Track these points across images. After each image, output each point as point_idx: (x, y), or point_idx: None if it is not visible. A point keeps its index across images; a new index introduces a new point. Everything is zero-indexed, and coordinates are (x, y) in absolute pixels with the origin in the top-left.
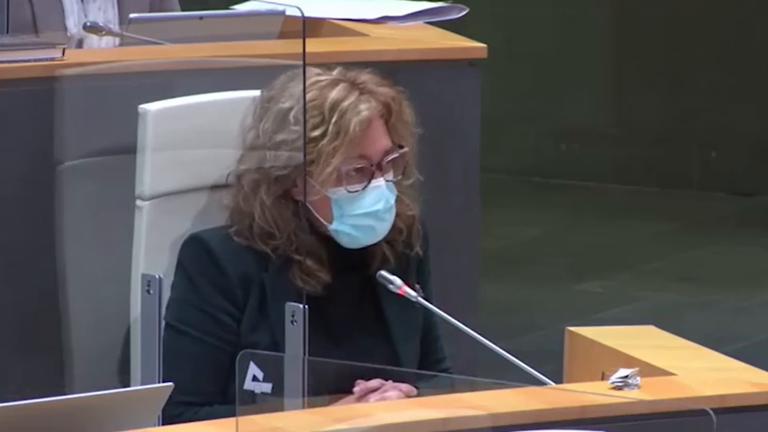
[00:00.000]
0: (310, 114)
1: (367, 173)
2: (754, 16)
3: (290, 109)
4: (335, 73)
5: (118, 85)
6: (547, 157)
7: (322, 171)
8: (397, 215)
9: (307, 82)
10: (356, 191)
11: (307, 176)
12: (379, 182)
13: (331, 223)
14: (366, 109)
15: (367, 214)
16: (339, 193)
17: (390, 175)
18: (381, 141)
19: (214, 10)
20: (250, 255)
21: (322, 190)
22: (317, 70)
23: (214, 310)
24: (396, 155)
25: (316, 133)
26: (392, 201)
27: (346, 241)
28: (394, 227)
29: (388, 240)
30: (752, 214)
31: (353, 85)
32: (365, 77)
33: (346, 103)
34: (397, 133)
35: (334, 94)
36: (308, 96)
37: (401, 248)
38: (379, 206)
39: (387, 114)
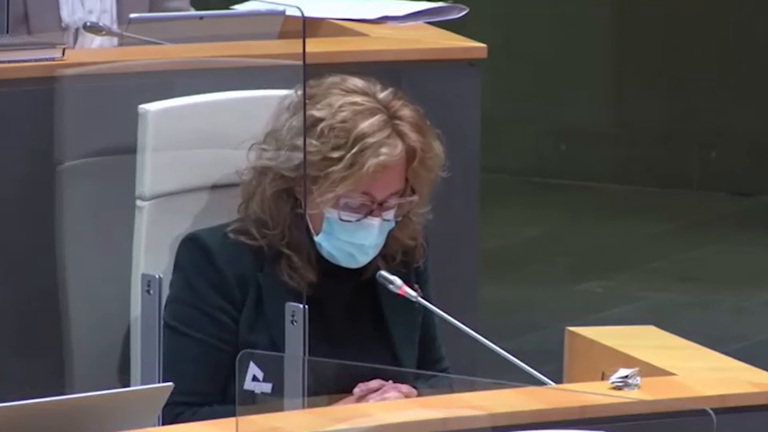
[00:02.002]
0: (335, 133)
1: (365, 208)
2: (754, 16)
3: (320, 120)
4: (382, 96)
5: (118, 85)
6: (547, 157)
7: (324, 193)
8: (397, 239)
9: (348, 100)
10: (348, 221)
11: (308, 190)
12: (374, 221)
13: (317, 235)
14: (387, 153)
15: (352, 245)
16: (332, 215)
17: (390, 215)
18: (392, 185)
19: (214, 10)
20: (246, 254)
21: (319, 206)
22: (363, 86)
23: (212, 309)
24: (402, 201)
25: (334, 155)
26: (381, 239)
27: (325, 255)
28: (391, 249)
29: (385, 256)
30: (752, 214)
31: (390, 119)
32: (407, 113)
33: (370, 140)
34: (415, 178)
35: (366, 125)
36: (341, 115)
37: (397, 267)
38: (366, 242)
39: (410, 160)
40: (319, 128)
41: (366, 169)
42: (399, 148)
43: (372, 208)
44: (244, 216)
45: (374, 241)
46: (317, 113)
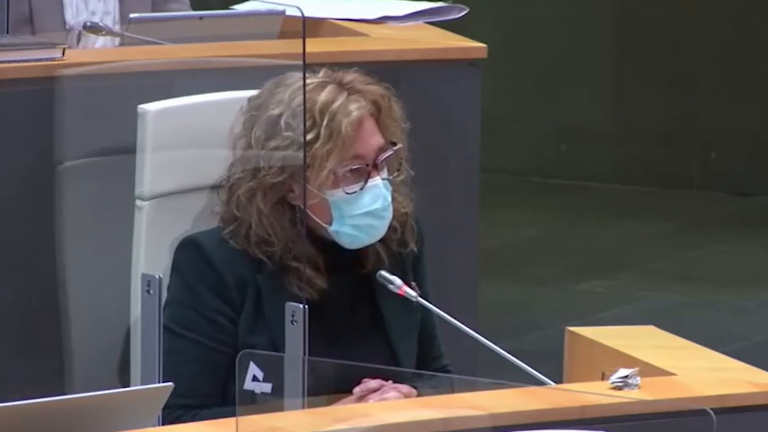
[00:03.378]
0: (299, 117)
1: (363, 173)
2: (754, 16)
3: (280, 115)
4: (321, 74)
5: (118, 85)
6: (547, 157)
7: (318, 174)
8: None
9: (295, 86)
10: (354, 192)
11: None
12: (376, 181)
13: (330, 225)
14: (356, 109)
15: (366, 214)
16: (337, 195)
17: (384, 173)
18: (374, 139)
19: (214, 10)
20: (245, 257)
21: (319, 194)
22: (300, 74)
23: (211, 312)
24: (390, 153)
25: (309, 137)
26: (389, 199)
27: (347, 242)
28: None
29: (383, 239)
30: (752, 214)
31: (340, 85)
32: (351, 77)
33: (335, 105)
34: (387, 130)
35: (323, 96)
36: (297, 100)
37: (396, 247)
38: (378, 204)
39: (377, 112)
40: (282, 122)
41: (345, 132)
42: (363, 102)
43: (368, 170)
44: (246, 244)
45: (384, 201)
46: (274, 111)
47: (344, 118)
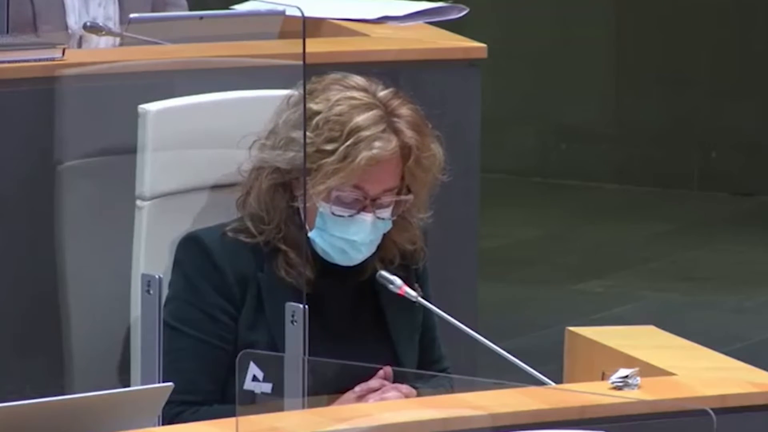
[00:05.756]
0: (330, 126)
1: (358, 204)
2: (754, 16)
3: (317, 113)
4: (381, 95)
5: (118, 85)
6: (547, 157)
7: (316, 184)
8: (395, 243)
9: (346, 94)
10: (341, 216)
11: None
12: (367, 217)
13: (311, 229)
14: (380, 147)
15: (344, 240)
16: (326, 209)
17: (385, 213)
18: (386, 181)
19: (214, 10)
20: (245, 253)
21: (312, 198)
22: (364, 84)
23: (212, 308)
24: (396, 199)
25: (327, 147)
26: (375, 237)
27: (319, 252)
28: (389, 253)
29: (382, 259)
30: (752, 214)
31: (387, 115)
32: (405, 112)
33: (365, 133)
34: (411, 177)
35: (361, 119)
36: (337, 109)
37: (396, 270)
38: (357, 238)
39: (406, 156)
40: (314, 121)
41: (358, 162)
42: (393, 143)
43: (365, 204)
44: (243, 212)
45: (366, 237)
46: (315, 106)
47: (365, 150)
